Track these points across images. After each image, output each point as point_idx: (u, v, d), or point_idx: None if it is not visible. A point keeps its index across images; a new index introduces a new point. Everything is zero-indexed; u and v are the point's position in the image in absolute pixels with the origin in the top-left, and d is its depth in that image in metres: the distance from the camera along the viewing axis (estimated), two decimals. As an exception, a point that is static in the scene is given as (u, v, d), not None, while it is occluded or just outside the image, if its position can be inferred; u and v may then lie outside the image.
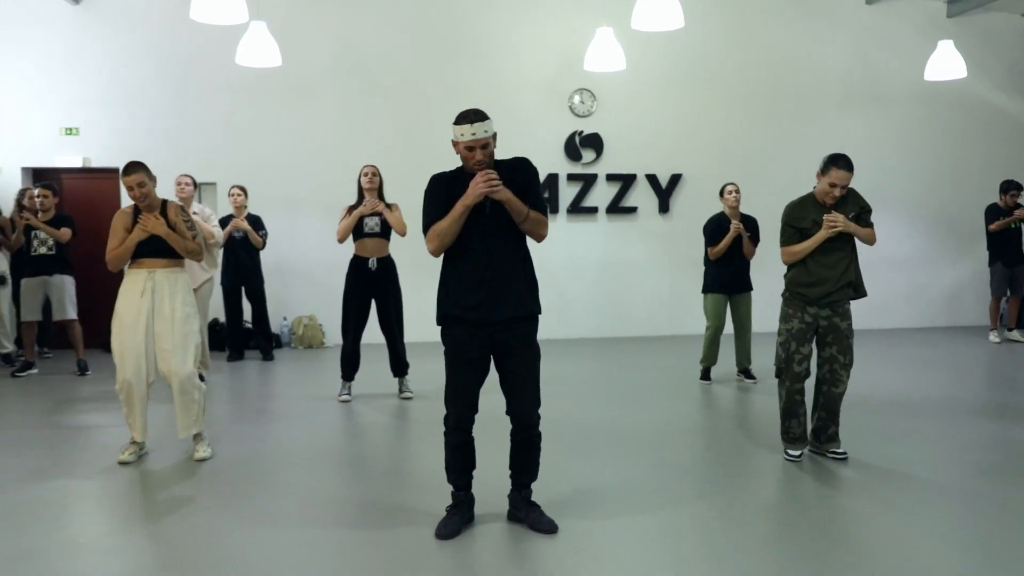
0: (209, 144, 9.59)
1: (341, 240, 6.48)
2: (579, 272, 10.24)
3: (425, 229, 3.62)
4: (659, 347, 9.43)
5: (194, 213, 7.23)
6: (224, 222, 8.40)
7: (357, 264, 6.50)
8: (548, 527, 3.72)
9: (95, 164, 9.44)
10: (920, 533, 3.70)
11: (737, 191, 7.17)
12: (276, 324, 9.66)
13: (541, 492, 3.92)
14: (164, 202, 4.95)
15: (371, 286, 6.48)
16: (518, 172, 3.68)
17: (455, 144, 3.59)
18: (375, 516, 3.96)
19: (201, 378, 7.22)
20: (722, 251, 6.97)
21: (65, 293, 7.77)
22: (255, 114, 9.66)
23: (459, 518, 3.76)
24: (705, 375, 7.26)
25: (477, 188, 3.46)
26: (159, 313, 4.85)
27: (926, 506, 4.04)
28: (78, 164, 9.39)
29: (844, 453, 4.81)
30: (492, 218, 3.58)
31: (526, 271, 3.73)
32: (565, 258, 10.16)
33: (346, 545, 3.64)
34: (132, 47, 9.47)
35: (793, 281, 4.78)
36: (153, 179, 4.88)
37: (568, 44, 9.93)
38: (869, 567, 3.32)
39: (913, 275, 10.84)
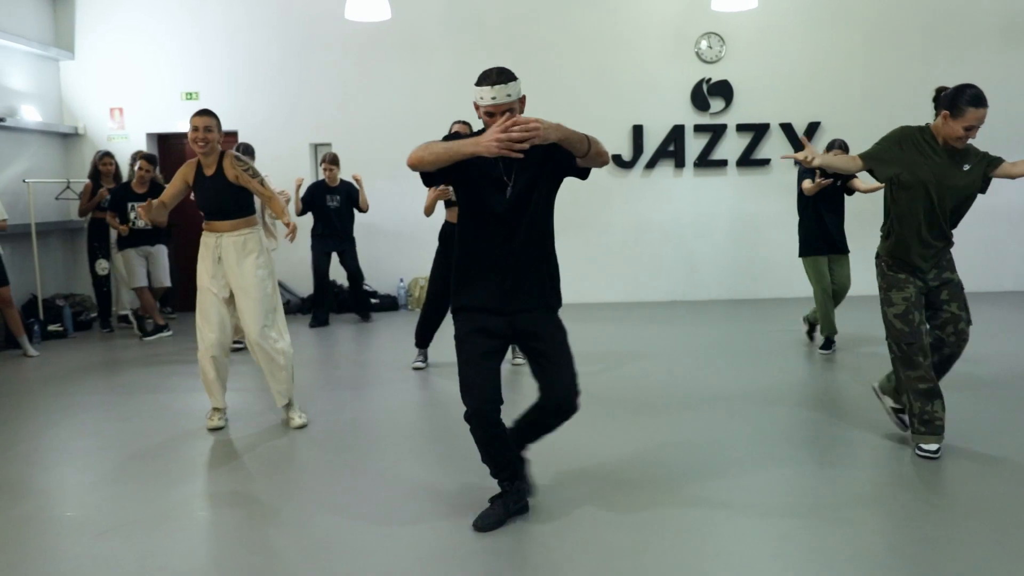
0: (324, 105, 9.46)
1: (427, 214, 6.20)
2: (707, 230, 9.63)
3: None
4: (794, 309, 8.74)
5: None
6: (313, 187, 8.36)
7: (448, 231, 6.12)
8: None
9: (215, 128, 9.46)
10: None
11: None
12: (392, 286, 9.53)
13: (641, 462, 3.49)
14: (222, 153, 4.71)
15: None
16: (555, 154, 3.16)
17: (476, 108, 3.14)
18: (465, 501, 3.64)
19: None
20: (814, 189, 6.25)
21: (164, 262, 8.03)
22: (368, 74, 9.44)
23: (503, 509, 3.34)
24: (828, 345, 6.58)
25: (491, 143, 2.87)
26: (232, 279, 4.70)
27: None
28: (198, 129, 9.43)
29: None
30: (514, 200, 3.15)
31: (549, 264, 3.30)
32: (692, 215, 9.57)
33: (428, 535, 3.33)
34: (251, 9, 9.39)
35: (896, 247, 4.06)
36: (221, 132, 4.69)
37: (694, -16, 9.25)
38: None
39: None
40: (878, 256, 4.18)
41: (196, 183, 4.70)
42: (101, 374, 6.53)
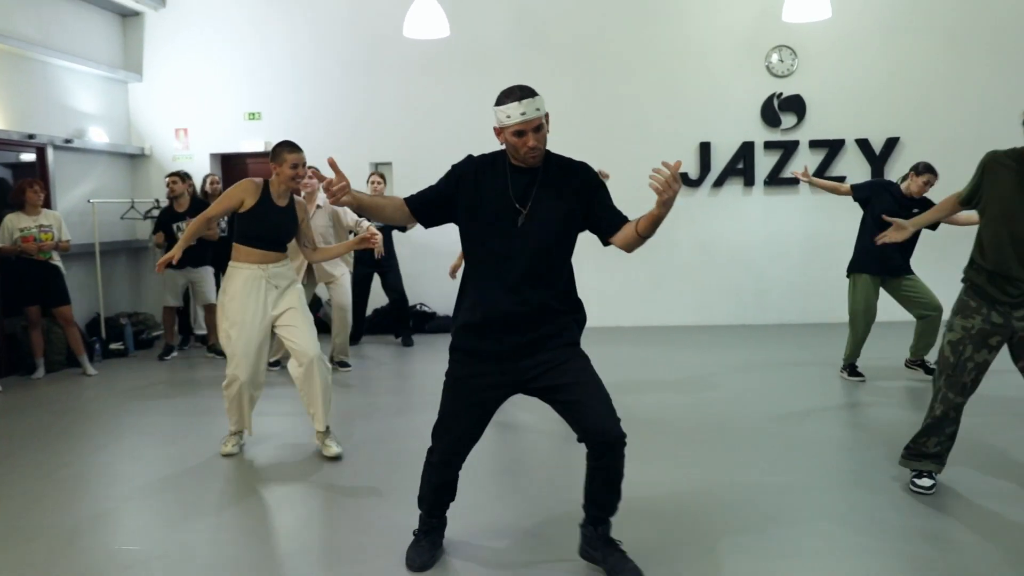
0: (385, 124, 9.38)
1: (452, 275, 6.03)
2: (779, 251, 9.21)
3: (408, 199, 3.03)
4: (876, 334, 8.25)
5: (316, 207, 6.97)
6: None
7: None
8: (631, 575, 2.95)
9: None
10: None
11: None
12: (440, 306, 9.28)
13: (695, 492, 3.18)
14: (295, 197, 4.68)
15: None
16: (578, 177, 2.95)
17: (499, 132, 2.88)
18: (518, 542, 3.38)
19: (345, 364, 6.97)
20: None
21: (210, 283, 7.95)
22: (431, 92, 9.33)
23: (429, 544, 3.19)
24: (853, 371, 6.26)
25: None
26: (284, 304, 4.57)
27: None
28: (260, 148, 9.46)
29: None
30: (529, 231, 2.85)
31: (570, 301, 2.98)
32: (763, 236, 9.17)
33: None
34: (315, 28, 9.39)
35: (977, 274, 3.68)
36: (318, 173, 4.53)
37: (765, -4, 8.90)
38: None
39: None
40: (963, 277, 3.82)
41: (258, 208, 4.48)
42: (154, 395, 6.49)
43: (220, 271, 8.32)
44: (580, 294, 3.05)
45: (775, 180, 9.11)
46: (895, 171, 9.03)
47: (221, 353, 7.78)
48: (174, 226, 7.76)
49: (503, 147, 2.94)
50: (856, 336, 6.19)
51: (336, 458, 4.57)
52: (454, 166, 3.02)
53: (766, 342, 7.95)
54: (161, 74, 9.61)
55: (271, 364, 6.88)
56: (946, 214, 3.91)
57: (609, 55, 9.15)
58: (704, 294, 9.25)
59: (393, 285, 8.34)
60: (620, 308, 9.04)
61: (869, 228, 6.14)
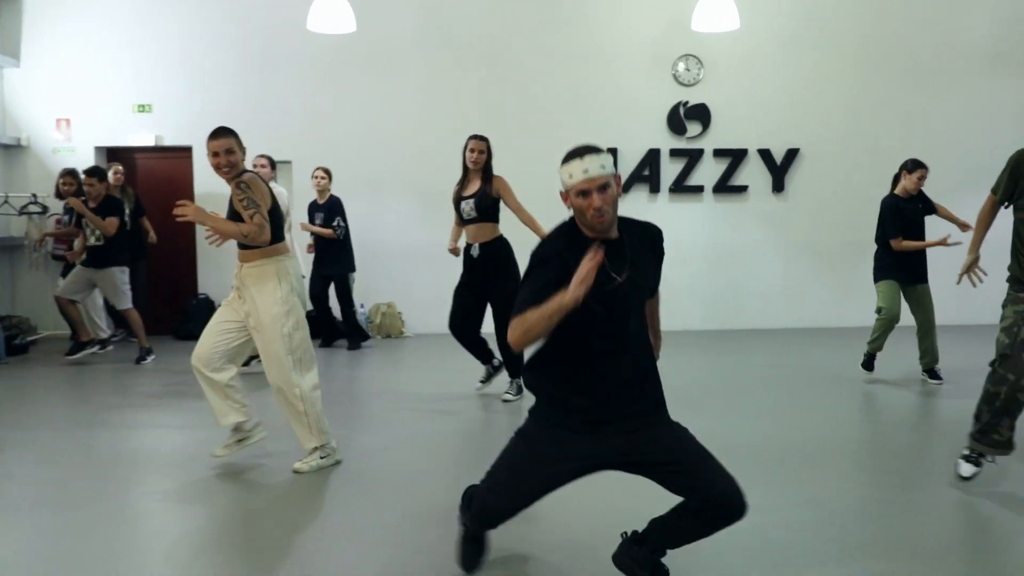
0: (285, 121, 8.98)
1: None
2: (682, 258, 9.24)
3: (516, 308, 2.57)
4: (776, 342, 8.43)
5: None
6: (312, 209, 7.98)
7: (465, 250, 5.85)
8: None
9: (168, 143, 8.97)
10: None
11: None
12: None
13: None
14: (241, 173, 4.21)
15: (476, 273, 5.76)
16: (654, 243, 2.85)
17: (564, 195, 2.66)
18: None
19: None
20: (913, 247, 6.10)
21: (113, 286, 7.37)
22: (333, 89, 9.00)
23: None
24: (869, 364, 6.35)
25: (578, 288, 2.38)
26: (252, 314, 4.22)
27: None
28: (151, 143, 8.93)
29: None
30: (621, 300, 2.65)
31: (655, 368, 2.82)
32: (667, 241, 9.13)
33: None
34: (207, 19, 8.91)
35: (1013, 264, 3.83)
36: (243, 148, 4.19)
37: (671, 3, 8.94)
38: None
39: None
40: (1008, 276, 3.91)
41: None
42: (26, 405, 5.99)
43: (137, 265, 7.92)
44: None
45: (680, 187, 9.18)
46: (795, 181, 9.26)
47: (145, 357, 7.47)
48: (83, 221, 7.26)
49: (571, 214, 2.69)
50: (881, 335, 6.20)
51: (296, 472, 4.31)
52: (539, 249, 2.70)
53: (670, 349, 7.94)
54: (41, 60, 8.94)
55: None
56: (992, 220, 4.01)
57: (517, 59, 9.04)
58: (610, 300, 9.22)
59: (340, 284, 8.14)
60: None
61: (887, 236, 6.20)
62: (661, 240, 2.88)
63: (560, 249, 2.62)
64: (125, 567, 3.20)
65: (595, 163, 2.59)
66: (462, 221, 5.78)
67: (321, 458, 4.36)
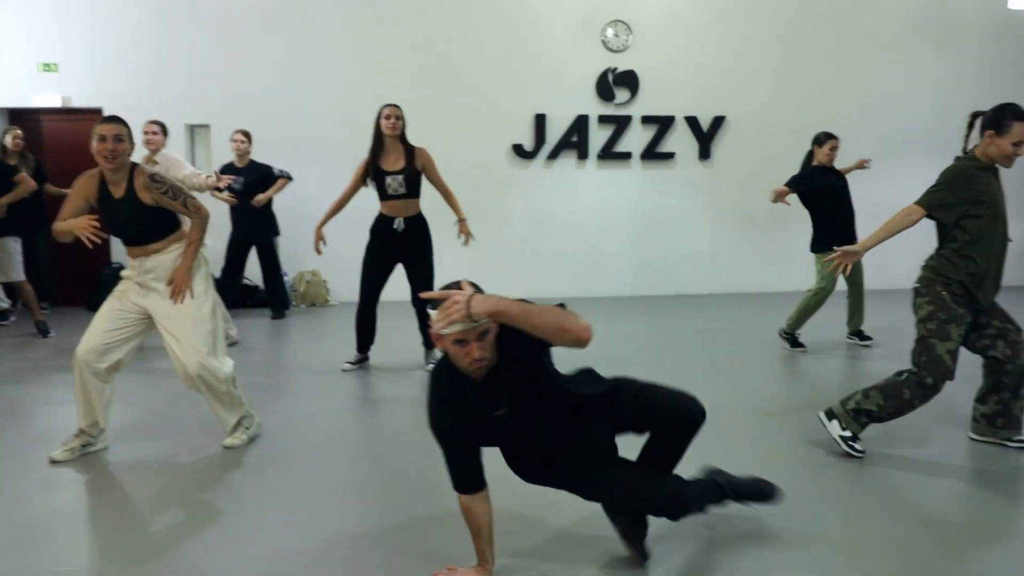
0: (201, 82, 8.63)
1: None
2: (611, 224, 9.30)
3: (456, 483, 2.69)
4: (703, 307, 8.53)
5: (154, 163, 6.44)
6: (227, 171, 7.57)
7: (381, 224, 5.62)
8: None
9: (76, 104, 8.52)
10: None
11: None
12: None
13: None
14: (132, 168, 3.96)
15: (397, 249, 5.63)
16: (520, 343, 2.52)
17: (437, 339, 2.53)
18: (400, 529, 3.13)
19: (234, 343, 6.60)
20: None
21: (5, 258, 7.04)
22: (252, 49, 8.67)
23: None
24: (797, 342, 6.41)
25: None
26: (161, 306, 4.00)
27: None
28: (57, 104, 8.47)
29: None
30: (519, 427, 2.65)
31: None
32: (595, 208, 9.22)
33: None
34: (115, -28, 8.47)
35: (951, 270, 3.83)
36: (132, 142, 3.93)
37: (601, -31, 8.88)
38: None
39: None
40: (934, 278, 3.87)
41: (102, 205, 3.91)
42: None
43: (32, 237, 7.55)
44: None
45: (608, 154, 9.16)
46: (721, 149, 9.33)
47: (42, 331, 7.13)
48: None
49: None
50: (812, 309, 6.23)
51: (229, 447, 4.17)
52: (433, 427, 2.68)
53: (601, 315, 7.94)
54: (-66, 14, 8.39)
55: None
56: (903, 224, 3.79)
57: (444, 21, 8.83)
58: (538, 266, 9.20)
59: (266, 250, 7.90)
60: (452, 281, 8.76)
61: (825, 213, 6.23)
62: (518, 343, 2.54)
63: (446, 399, 2.61)
64: (30, 550, 3.03)
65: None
66: (385, 196, 5.58)
67: (246, 428, 4.25)
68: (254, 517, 3.32)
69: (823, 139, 6.26)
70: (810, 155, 6.37)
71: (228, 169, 7.60)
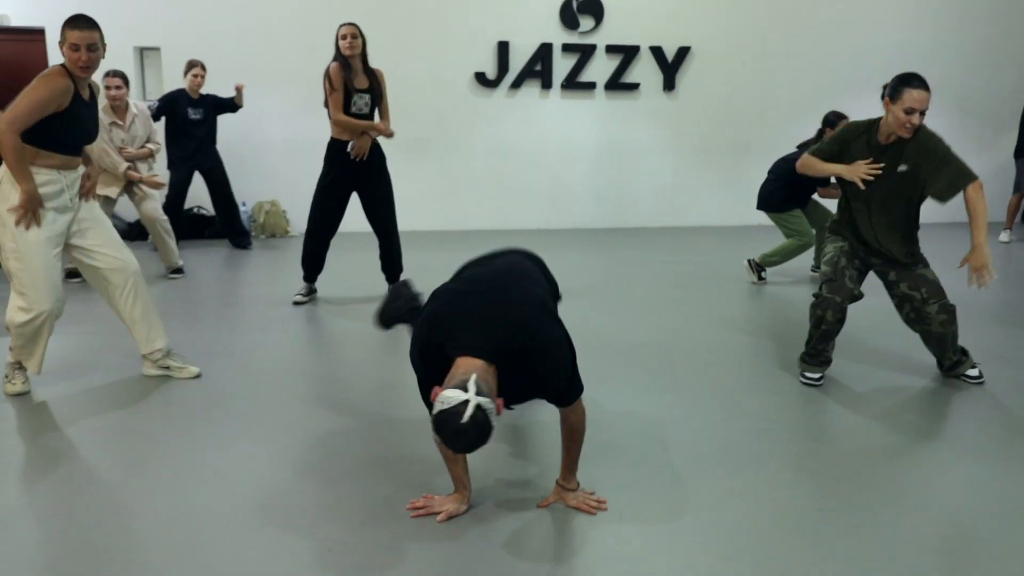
0: (153, 3, 8.27)
1: (340, 129, 5.44)
2: (574, 155, 9.22)
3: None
4: (661, 239, 8.55)
5: (116, 125, 6.34)
6: (173, 97, 7.36)
7: (337, 149, 5.45)
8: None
9: (15, 23, 8.11)
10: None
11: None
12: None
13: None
14: (91, 84, 3.84)
15: (354, 175, 5.49)
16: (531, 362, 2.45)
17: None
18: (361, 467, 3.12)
19: (180, 271, 6.52)
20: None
21: None
22: (203, -33, 8.31)
23: None
24: (761, 275, 6.51)
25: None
26: (83, 215, 3.89)
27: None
28: (-5, 22, 8.09)
29: (978, 377, 4.15)
30: None
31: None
32: (559, 138, 9.12)
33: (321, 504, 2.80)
34: None
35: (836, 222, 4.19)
36: (104, 44, 3.73)
37: None
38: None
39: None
40: (829, 227, 4.25)
41: (71, 110, 3.67)
42: None
43: None
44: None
45: (572, 84, 9.02)
46: (686, 80, 9.25)
47: None
48: None
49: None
50: (786, 256, 6.37)
51: (197, 377, 4.10)
52: (413, 359, 2.56)
53: (564, 247, 7.94)
54: None
55: (68, 276, 6.06)
56: (812, 169, 4.11)
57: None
58: (500, 198, 9.12)
59: (219, 180, 7.70)
60: (416, 213, 8.65)
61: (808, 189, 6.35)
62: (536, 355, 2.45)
63: (430, 346, 2.46)
64: None
65: None
66: (348, 114, 5.45)
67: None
68: (221, 451, 3.28)
69: (834, 120, 6.13)
70: (820, 135, 6.25)
71: (177, 95, 7.36)
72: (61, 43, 3.63)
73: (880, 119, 3.86)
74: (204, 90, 7.54)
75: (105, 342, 4.73)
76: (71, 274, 6.14)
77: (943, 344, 4.06)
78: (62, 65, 3.67)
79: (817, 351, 4.09)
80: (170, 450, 3.28)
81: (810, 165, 4.07)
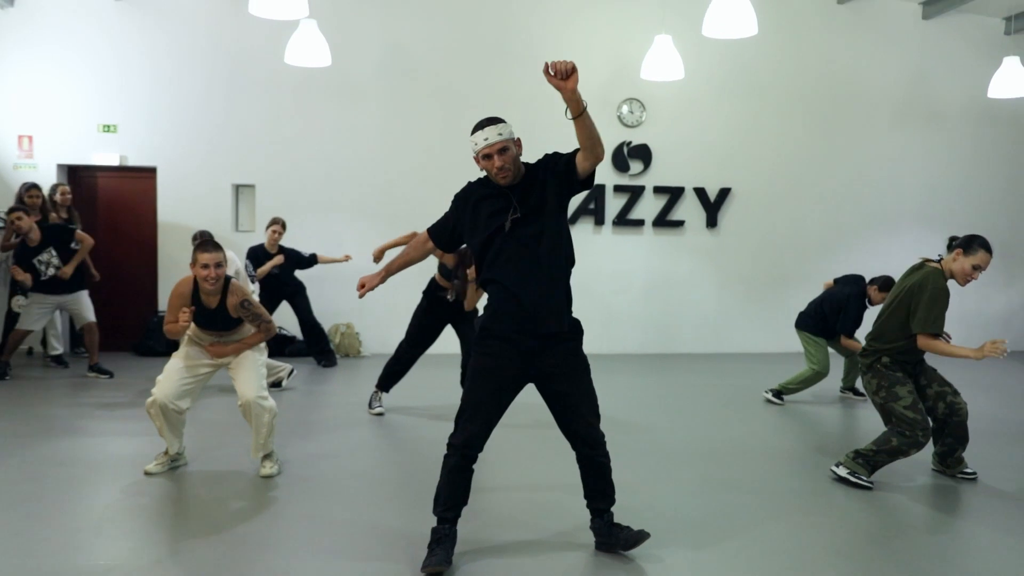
0: (250, 144, 9.32)
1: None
2: (624, 286, 9.96)
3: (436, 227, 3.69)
4: (708, 365, 9.12)
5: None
6: (254, 254, 8.15)
7: (435, 290, 6.22)
8: (637, 537, 3.46)
9: (132, 163, 9.18)
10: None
11: None
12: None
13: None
14: (226, 283, 4.55)
15: (448, 313, 6.24)
16: (547, 166, 3.45)
17: (476, 161, 3.38)
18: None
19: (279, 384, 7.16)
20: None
21: (81, 307, 7.54)
22: (298, 116, 9.39)
23: (442, 554, 3.30)
24: (780, 396, 7.00)
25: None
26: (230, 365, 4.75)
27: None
28: (115, 163, 9.14)
29: (973, 473, 4.74)
30: (527, 225, 3.34)
31: (566, 283, 3.59)
32: (610, 271, 9.88)
33: None
34: (176, 42, 9.19)
35: (897, 350, 4.57)
36: (227, 263, 4.52)
37: (618, 53, 9.68)
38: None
39: (963, 299, 10.51)
40: (875, 358, 4.59)
41: (195, 307, 4.51)
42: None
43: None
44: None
45: (623, 221, 9.85)
46: (727, 218, 10.04)
47: (105, 372, 7.59)
48: (35, 261, 7.25)
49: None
50: (801, 384, 6.84)
51: (268, 477, 4.66)
52: (463, 191, 3.59)
53: (613, 371, 8.52)
54: (5, 77, 9.06)
55: (271, 385, 6.79)
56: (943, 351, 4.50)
57: (470, 99, 9.53)
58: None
59: (303, 307, 8.45)
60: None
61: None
62: (549, 158, 3.49)
63: (474, 189, 3.53)
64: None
65: (494, 132, 3.29)
66: (444, 272, 6.14)
67: (275, 462, 4.76)
68: (295, 535, 3.84)
69: (882, 286, 6.62)
70: (862, 295, 6.76)
71: (257, 252, 8.17)
72: (194, 264, 4.42)
73: (942, 261, 4.46)
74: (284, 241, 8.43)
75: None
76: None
77: (962, 433, 4.62)
78: (190, 277, 4.57)
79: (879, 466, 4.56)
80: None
81: (936, 348, 4.34)
